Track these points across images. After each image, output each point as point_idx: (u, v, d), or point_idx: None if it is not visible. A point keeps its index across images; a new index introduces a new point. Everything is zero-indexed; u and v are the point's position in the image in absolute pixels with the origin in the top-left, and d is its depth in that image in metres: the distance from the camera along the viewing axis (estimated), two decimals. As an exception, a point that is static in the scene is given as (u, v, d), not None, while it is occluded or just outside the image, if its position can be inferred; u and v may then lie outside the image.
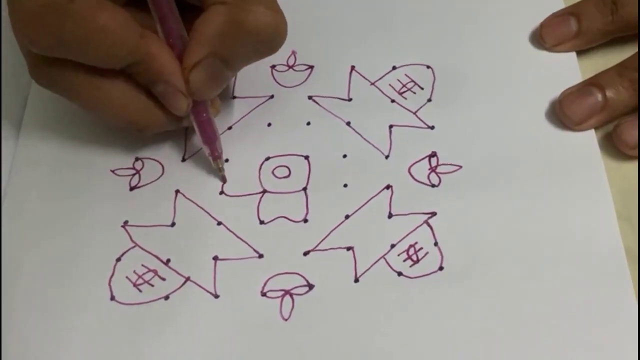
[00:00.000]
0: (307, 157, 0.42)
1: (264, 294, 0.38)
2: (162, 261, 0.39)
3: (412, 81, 0.45)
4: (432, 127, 0.43)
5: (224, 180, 0.42)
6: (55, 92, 0.40)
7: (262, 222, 0.40)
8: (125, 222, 0.41)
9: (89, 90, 0.38)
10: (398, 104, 0.44)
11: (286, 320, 0.37)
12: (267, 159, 0.42)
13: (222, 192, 0.42)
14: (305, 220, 0.40)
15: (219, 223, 0.41)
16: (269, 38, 0.37)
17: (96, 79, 0.38)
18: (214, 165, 0.42)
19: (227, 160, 0.42)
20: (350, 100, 0.44)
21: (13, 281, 0.39)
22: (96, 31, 0.35)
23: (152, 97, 0.40)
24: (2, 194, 0.42)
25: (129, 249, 0.40)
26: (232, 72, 0.39)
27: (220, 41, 0.37)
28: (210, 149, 0.41)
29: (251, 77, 0.45)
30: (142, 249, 0.40)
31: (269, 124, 0.43)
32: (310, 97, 0.44)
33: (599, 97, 0.41)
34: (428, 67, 0.45)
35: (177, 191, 0.42)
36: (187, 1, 0.40)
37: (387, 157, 0.42)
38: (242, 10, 0.36)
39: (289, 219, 0.40)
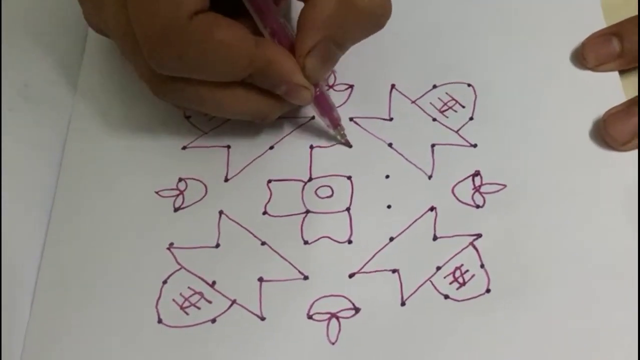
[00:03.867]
0: (349, 178, 0.42)
1: (310, 317, 0.38)
2: (207, 283, 0.40)
3: (453, 99, 0.45)
4: (475, 146, 0.43)
5: (349, 145, 0.43)
6: (178, 105, 0.41)
7: (306, 242, 0.41)
8: (171, 244, 0.41)
9: (211, 100, 0.39)
10: (440, 122, 0.44)
11: (333, 344, 0.38)
12: (310, 179, 0.42)
13: (265, 213, 0.42)
14: (350, 242, 0.40)
15: (263, 243, 0.41)
16: (378, 15, 0.38)
17: (218, 90, 0.39)
18: (335, 132, 0.43)
19: (269, 181, 0.42)
20: (391, 119, 0.44)
21: (60, 303, 0.39)
22: (216, 47, 0.36)
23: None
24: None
25: (175, 271, 0.40)
26: (342, 53, 0.40)
27: (332, 25, 0.38)
28: (329, 118, 0.42)
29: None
30: (188, 271, 0.40)
31: (311, 146, 0.43)
32: (351, 119, 0.44)
33: (643, 117, 0.41)
34: (469, 85, 0.45)
35: (221, 212, 0.42)
36: None
37: (430, 177, 0.42)
38: None
39: (333, 240, 0.41)
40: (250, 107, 0.40)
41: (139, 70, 0.40)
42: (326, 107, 0.42)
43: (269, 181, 0.43)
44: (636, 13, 0.44)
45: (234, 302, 0.39)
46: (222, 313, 0.39)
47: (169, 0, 0.35)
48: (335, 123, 0.42)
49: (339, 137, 0.43)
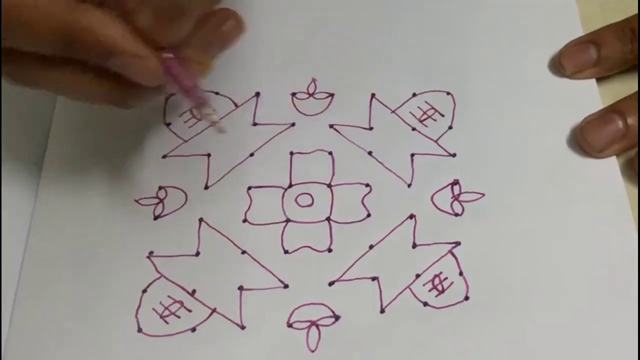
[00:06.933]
0: (329, 185, 0.42)
1: (290, 325, 0.38)
2: (187, 292, 0.40)
3: (433, 108, 0.45)
4: (454, 155, 0.43)
5: (221, 130, 0.38)
6: (22, 86, 0.36)
7: (286, 252, 0.41)
8: (151, 253, 0.41)
9: (48, 78, 0.35)
10: (419, 132, 0.44)
11: (313, 351, 0.38)
12: (290, 185, 0.43)
13: (245, 221, 0.42)
14: (330, 250, 0.40)
15: (243, 252, 0.41)
16: None
17: (50, 67, 0.34)
18: (202, 116, 0.37)
19: (249, 188, 0.42)
20: (371, 129, 0.44)
21: (40, 312, 0.39)
22: (20, 5, 0.32)
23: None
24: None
25: (155, 280, 0.40)
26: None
27: None
28: (184, 90, 0.36)
29: (272, 104, 0.45)
30: (168, 279, 0.40)
31: (291, 152, 0.43)
32: (331, 126, 0.44)
33: (620, 124, 0.42)
34: (448, 93, 0.45)
35: (201, 220, 0.42)
36: None
37: (409, 185, 0.42)
38: None
39: (313, 249, 0.41)
40: (93, 89, 0.35)
41: None
42: (185, 85, 0.35)
43: (249, 188, 0.43)
44: (612, 22, 0.45)
45: (214, 310, 0.39)
46: (202, 322, 0.39)
47: None
48: (200, 103, 0.36)
49: (208, 120, 0.37)
